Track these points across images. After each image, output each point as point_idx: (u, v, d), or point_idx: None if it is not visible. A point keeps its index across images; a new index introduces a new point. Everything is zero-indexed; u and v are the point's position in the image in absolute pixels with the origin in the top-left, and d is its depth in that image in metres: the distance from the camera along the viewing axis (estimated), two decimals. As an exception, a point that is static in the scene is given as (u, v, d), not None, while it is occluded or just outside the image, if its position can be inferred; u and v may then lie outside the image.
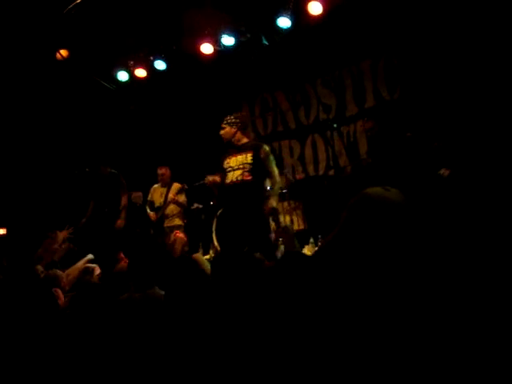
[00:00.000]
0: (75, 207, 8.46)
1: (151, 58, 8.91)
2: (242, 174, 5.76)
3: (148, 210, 8.41)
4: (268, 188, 7.23)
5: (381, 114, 8.32)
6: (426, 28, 7.51)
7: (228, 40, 8.30)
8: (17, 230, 8.17)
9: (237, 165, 5.84)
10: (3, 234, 8.17)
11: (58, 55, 8.58)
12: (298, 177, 9.15)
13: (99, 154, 8.29)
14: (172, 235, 6.63)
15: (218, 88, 9.74)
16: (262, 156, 5.80)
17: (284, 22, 7.88)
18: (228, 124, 5.95)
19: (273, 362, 2.03)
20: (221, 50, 8.49)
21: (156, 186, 8.49)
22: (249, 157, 5.82)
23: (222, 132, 6.00)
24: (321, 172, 9.09)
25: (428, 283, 2.00)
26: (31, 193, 8.86)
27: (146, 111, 10.00)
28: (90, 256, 5.50)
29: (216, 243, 7.32)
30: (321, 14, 7.61)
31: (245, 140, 6.02)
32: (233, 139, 5.93)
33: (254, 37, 8.29)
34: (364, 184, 2.74)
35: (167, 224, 8.26)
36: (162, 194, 8.35)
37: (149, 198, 8.46)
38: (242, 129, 6.01)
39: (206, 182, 6.05)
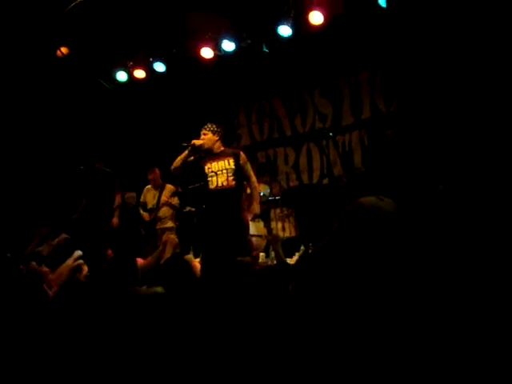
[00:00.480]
0: (68, 203, 8.45)
1: (151, 59, 8.94)
2: (226, 180, 5.84)
3: (141, 211, 8.41)
4: (261, 194, 7.28)
5: (377, 126, 8.38)
6: (423, 41, 7.56)
7: (228, 45, 8.33)
8: (5, 224, 8.13)
9: (219, 169, 5.90)
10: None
11: (58, 52, 8.59)
12: (291, 184, 9.18)
13: (94, 153, 8.30)
14: (164, 236, 6.64)
15: (216, 92, 9.77)
16: (241, 162, 5.94)
17: (285, 31, 7.93)
18: (211, 131, 6.01)
19: (264, 363, 2.05)
20: (221, 55, 8.53)
21: (149, 186, 8.50)
22: (231, 162, 5.90)
23: (204, 137, 6.01)
24: (315, 180, 9.12)
25: (419, 289, 2.03)
26: (22, 188, 8.83)
27: (144, 112, 10.02)
28: (79, 252, 5.46)
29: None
30: (321, 24, 7.66)
31: (222, 148, 6.09)
32: (213, 146, 6.01)
33: (255, 43, 8.32)
34: (358, 193, 2.77)
35: (159, 226, 8.27)
36: (154, 196, 8.36)
37: (141, 199, 8.48)
38: (222, 138, 6.11)
39: (191, 144, 6.00)
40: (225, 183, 5.83)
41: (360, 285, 2.11)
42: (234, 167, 5.87)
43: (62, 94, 9.20)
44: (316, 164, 9.16)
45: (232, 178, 5.82)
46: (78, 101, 9.37)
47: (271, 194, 7.86)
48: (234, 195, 5.85)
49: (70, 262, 5.23)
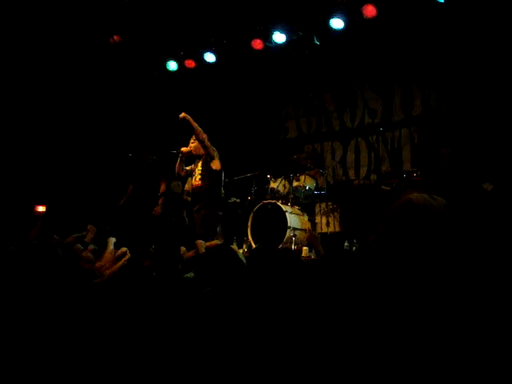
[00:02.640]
0: (116, 190, 8.56)
1: (201, 50, 8.98)
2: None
3: (185, 197, 8.45)
4: (307, 188, 7.28)
5: (428, 123, 8.23)
6: (479, 35, 7.39)
7: (279, 37, 8.29)
8: (57, 208, 8.31)
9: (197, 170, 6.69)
10: (43, 211, 8.32)
11: (111, 40, 8.71)
12: (337, 179, 9.10)
13: (143, 141, 8.38)
14: None
15: (265, 84, 9.75)
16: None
17: (337, 23, 7.83)
18: (198, 140, 6.61)
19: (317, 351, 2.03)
20: (271, 47, 8.49)
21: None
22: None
23: (191, 145, 6.73)
24: (362, 176, 9.02)
25: (460, 288, 1.97)
26: (73, 173, 9.00)
27: (192, 102, 10.07)
28: (113, 239, 5.54)
29: (250, 238, 7.36)
30: (374, 18, 7.55)
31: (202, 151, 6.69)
32: (199, 152, 6.68)
33: (306, 35, 8.25)
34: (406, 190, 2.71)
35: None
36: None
37: (186, 187, 8.51)
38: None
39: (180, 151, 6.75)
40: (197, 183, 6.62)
41: (408, 278, 2.07)
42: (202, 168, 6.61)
43: (113, 82, 9.33)
44: (364, 160, 9.06)
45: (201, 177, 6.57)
46: (128, 88, 9.48)
47: (317, 188, 7.79)
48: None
49: (110, 248, 5.30)
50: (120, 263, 5.04)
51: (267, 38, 8.40)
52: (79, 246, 5.31)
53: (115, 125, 9.41)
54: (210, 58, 9.00)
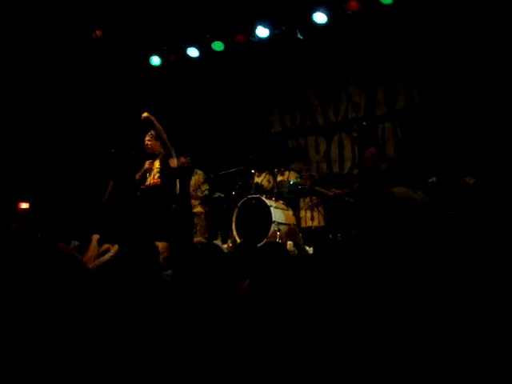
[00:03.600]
0: (98, 186, 8.53)
1: (184, 44, 8.94)
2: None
3: None
4: (291, 182, 7.33)
5: (411, 117, 8.27)
6: (459, 31, 7.45)
7: (263, 31, 8.27)
8: (40, 204, 8.25)
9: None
10: (26, 208, 8.26)
11: (93, 34, 8.65)
12: (321, 174, 9.11)
13: (126, 137, 8.35)
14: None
15: (249, 79, 9.73)
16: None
17: (320, 17, 7.84)
18: (154, 138, 6.72)
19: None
20: (254, 41, 8.47)
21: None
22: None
23: (149, 144, 6.76)
24: (345, 171, 9.05)
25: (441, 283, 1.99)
26: (56, 169, 8.93)
27: (175, 97, 10.04)
28: (98, 236, 5.54)
29: (235, 233, 7.37)
30: (357, 12, 7.57)
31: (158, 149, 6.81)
32: (156, 150, 6.76)
33: (289, 30, 8.24)
34: (390, 184, 2.72)
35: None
36: None
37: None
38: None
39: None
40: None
41: (389, 271, 2.08)
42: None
43: (95, 76, 9.26)
44: (347, 154, 9.08)
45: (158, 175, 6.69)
46: (110, 84, 9.42)
47: (300, 182, 7.81)
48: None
49: (94, 244, 5.29)
50: (104, 258, 5.04)
51: (250, 32, 8.37)
52: (62, 243, 5.29)
53: (98, 120, 9.34)
54: (193, 52, 8.97)
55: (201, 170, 8.70)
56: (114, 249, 5.11)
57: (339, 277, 2.27)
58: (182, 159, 8.27)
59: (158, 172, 6.71)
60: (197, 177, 8.55)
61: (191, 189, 8.46)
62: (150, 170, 6.79)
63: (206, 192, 8.50)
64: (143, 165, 6.83)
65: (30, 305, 2.67)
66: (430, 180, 6.55)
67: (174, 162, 6.70)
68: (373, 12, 7.66)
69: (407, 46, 8.21)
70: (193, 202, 8.43)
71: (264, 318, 2.31)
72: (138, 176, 6.87)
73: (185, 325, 2.44)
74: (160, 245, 4.38)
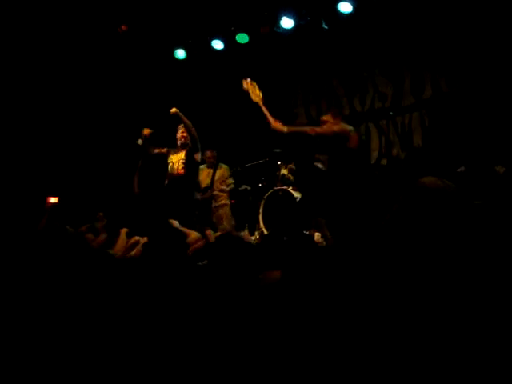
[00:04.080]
0: (126, 178, 8.57)
1: (209, 37, 8.94)
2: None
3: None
4: None
5: (438, 106, 8.16)
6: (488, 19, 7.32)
7: (287, 22, 8.23)
8: (69, 199, 8.34)
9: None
10: (55, 203, 8.35)
11: (118, 29, 8.71)
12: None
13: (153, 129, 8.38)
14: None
15: (274, 70, 9.70)
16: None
17: (345, 7, 7.77)
18: (189, 134, 6.86)
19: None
20: (279, 32, 8.44)
21: (202, 166, 8.45)
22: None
23: (183, 135, 6.91)
24: (373, 161, 8.97)
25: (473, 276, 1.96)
26: (84, 163, 9.02)
27: (200, 90, 10.05)
28: (126, 229, 5.58)
29: (262, 225, 7.38)
30: (383, 1, 7.49)
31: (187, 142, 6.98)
32: (185, 142, 6.91)
33: (314, 20, 8.18)
34: (418, 173, 2.69)
35: (214, 204, 8.30)
36: (208, 174, 8.37)
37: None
38: None
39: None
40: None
41: (418, 265, 2.06)
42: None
43: (121, 71, 9.32)
44: (374, 144, 9.01)
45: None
46: (136, 77, 9.47)
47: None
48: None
49: (123, 237, 5.33)
50: (133, 252, 5.08)
51: (275, 23, 8.34)
52: (91, 235, 5.35)
53: (124, 113, 9.40)
54: (218, 45, 8.97)
55: (226, 163, 8.67)
56: (143, 241, 5.14)
57: (365, 268, 2.26)
58: (208, 153, 8.28)
59: (183, 163, 6.87)
60: (222, 171, 8.52)
61: (217, 183, 8.45)
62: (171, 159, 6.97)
63: (232, 186, 8.50)
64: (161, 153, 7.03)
65: (59, 299, 2.71)
66: (459, 170, 6.47)
67: (198, 156, 6.89)
68: (398, 0, 7.57)
69: (434, 35, 8.09)
70: (218, 194, 8.42)
71: (298, 308, 2.30)
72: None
73: (212, 314, 2.46)
74: (192, 235, 4.39)
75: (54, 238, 3.32)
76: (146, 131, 7.01)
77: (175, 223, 5.56)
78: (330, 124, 5.83)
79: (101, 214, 7.53)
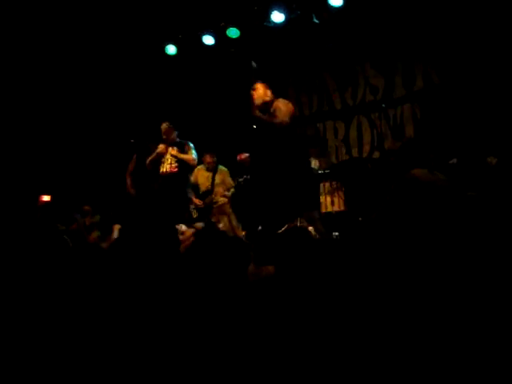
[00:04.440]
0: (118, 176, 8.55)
1: (199, 32, 8.91)
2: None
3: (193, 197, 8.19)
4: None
5: (430, 98, 8.17)
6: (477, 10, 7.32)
7: (278, 16, 8.21)
8: (61, 197, 8.32)
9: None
10: (48, 201, 8.33)
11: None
12: (341, 158, 9.08)
13: (146, 128, 8.34)
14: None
15: (265, 65, 9.67)
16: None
17: (335, 1, 7.76)
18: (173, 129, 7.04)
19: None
20: (269, 27, 8.42)
21: (200, 167, 8.30)
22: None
23: (169, 135, 7.00)
24: (365, 154, 8.98)
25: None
26: (77, 161, 9.00)
27: (191, 87, 10.02)
28: (119, 226, 5.61)
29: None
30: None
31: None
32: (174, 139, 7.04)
33: (304, 14, 8.16)
34: (410, 166, 2.70)
35: (215, 206, 8.13)
36: (208, 178, 8.20)
37: (192, 180, 7.98)
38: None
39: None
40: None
41: (409, 256, 2.07)
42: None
43: (111, 68, 9.29)
44: (367, 137, 9.02)
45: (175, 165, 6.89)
46: (128, 75, 9.43)
47: (320, 167, 7.78)
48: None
49: (115, 234, 5.34)
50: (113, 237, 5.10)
51: (265, 17, 8.31)
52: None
53: (117, 112, 9.37)
54: (208, 40, 8.94)
55: (221, 163, 8.52)
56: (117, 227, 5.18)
57: (360, 261, 2.26)
58: (208, 158, 8.14)
59: (176, 162, 6.87)
60: (222, 175, 8.27)
61: (218, 187, 8.22)
62: (163, 155, 6.94)
63: (233, 190, 8.29)
64: (150, 149, 7.08)
65: (53, 294, 2.71)
66: (451, 161, 6.48)
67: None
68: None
69: (424, 26, 8.09)
70: (219, 199, 8.21)
71: (293, 302, 2.30)
72: (149, 160, 7.03)
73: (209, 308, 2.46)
74: (187, 232, 4.39)
75: (45, 236, 3.31)
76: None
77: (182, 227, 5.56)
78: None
79: (87, 207, 7.52)
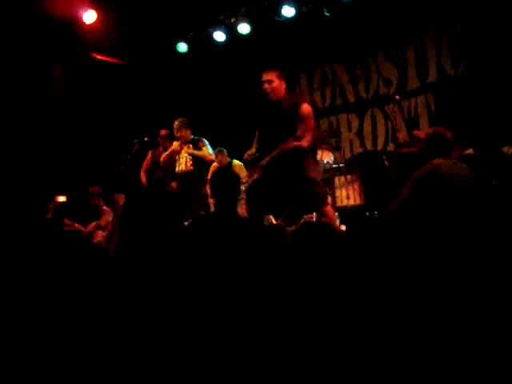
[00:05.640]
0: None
1: (210, 29, 8.89)
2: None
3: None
4: (325, 162, 7.20)
5: (444, 89, 8.10)
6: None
7: (288, 11, 8.17)
8: (77, 197, 8.32)
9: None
10: (64, 201, 8.33)
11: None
12: (355, 151, 9.04)
13: (149, 126, 8.35)
14: None
15: (277, 59, 9.63)
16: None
17: (346, -7, 7.72)
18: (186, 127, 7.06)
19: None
20: (280, 21, 8.38)
21: (215, 164, 8.32)
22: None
23: (183, 133, 7.01)
24: (379, 147, 8.94)
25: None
26: (91, 160, 8.99)
27: (204, 84, 10.01)
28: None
29: (271, 216, 7.34)
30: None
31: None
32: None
33: (315, 8, 8.12)
34: (431, 156, 2.66)
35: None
36: None
37: (209, 177, 8.17)
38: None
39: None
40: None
41: (431, 246, 2.04)
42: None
43: (125, 68, 9.30)
44: (380, 130, 8.97)
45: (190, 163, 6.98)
46: (141, 73, 9.44)
47: (335, 161, 7.73)
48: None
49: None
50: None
51: (276, 12, 8.28)
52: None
53: (131, 110, 9.37)
54: (219, 37, 8.91)
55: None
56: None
57: (372, 256, 2.24)
58: (219, 157, 8.13)
59: (192, 160, 6.96)
60: (236, 170, 8.31)
61: None
62: (177, 153, 7.01)
63: (246, 185, 8.27)
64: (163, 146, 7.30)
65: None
66: (467, 152, 6.41)
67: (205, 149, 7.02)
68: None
69: (437, 17, 8.03)
70: None
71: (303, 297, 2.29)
72: (163, 158, 7.14)
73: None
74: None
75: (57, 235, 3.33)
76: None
77: None
78: None
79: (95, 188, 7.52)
